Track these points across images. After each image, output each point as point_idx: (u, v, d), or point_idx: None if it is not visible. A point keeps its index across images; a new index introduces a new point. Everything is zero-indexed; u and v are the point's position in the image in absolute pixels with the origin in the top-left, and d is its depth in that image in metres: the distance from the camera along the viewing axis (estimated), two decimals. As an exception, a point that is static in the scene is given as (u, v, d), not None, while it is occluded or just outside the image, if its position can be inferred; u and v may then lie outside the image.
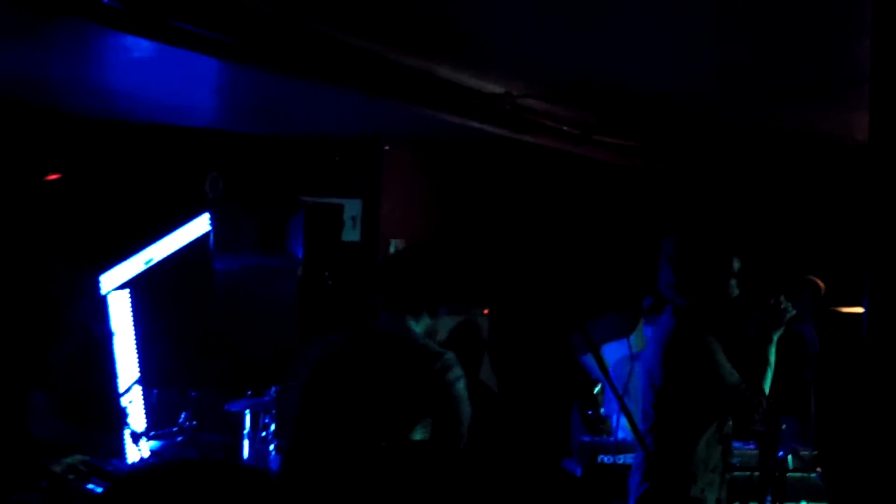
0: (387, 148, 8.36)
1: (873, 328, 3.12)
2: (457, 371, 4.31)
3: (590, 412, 7.37)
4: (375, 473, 4.22)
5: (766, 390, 4.63)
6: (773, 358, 4.69)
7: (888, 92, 3.04)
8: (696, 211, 9.07)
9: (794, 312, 4.76)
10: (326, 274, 7.98)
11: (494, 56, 5.74)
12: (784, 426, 4.82)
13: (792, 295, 4.93)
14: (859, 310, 8.12)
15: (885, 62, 3.02)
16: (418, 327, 4.43)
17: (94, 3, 4.17)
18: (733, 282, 4.73)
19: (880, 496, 3.13)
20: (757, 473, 5.51)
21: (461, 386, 4.31)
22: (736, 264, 4.74)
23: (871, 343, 3.12)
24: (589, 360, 7.74)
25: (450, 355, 4.32)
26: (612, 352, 7.22)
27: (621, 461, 6.23)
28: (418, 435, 4.27)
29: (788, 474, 5.85)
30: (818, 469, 6.16)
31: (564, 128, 7.38)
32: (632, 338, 7.67)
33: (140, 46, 5.01)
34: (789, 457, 5.96)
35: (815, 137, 8.18)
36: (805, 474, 6.12)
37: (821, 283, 7.67)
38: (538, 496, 6.36)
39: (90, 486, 4.95)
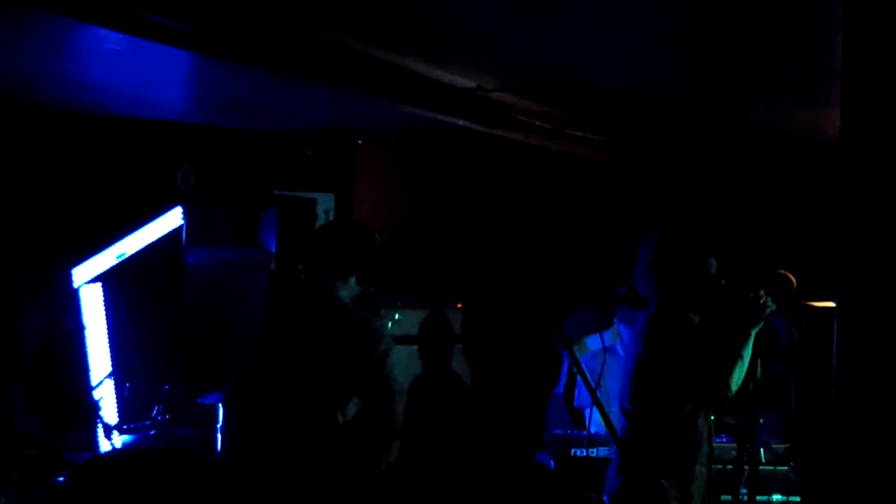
0: (360, 142, 8.35)
1: (844, 324, 3.14)
2: (386, 342, 4.29)
3: (576, 403, 7.38)
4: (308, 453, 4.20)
5: (734, 385, 4.63)
6: (746, 353, 4.70)
7: (859, 88, 3.05)
8: (667, 205, 9.09)
9: (773, 307, 4.78)
10: (300, 268, 7.95)
11: (466, 51, 5.74)
12: (761, 420, 4.85)
13: (764, 289, 4.95)
14: (831, 304, 8.17)
15: (856, 58, 3.03)
16: (344, 291, 4.42)
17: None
18: (710, 282, 4.75)
19: (853, 489, 3.15)
20: (730, 467, 5.54)
21: (391, 360, 4.27)
22: (713, 266, 4.76)
23: (842, 338, 3.14)
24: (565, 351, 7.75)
25: (378, 324, 4.30)
26: (588, 344, 7.25)
27: (594, 454, 6.25)
28: (353, 408, 4.25)
29: (761, 467, 5.88)
30: (791, 462, 6.19)
31: (536, 122, 7.39)
32: (606, 332, 7.70)
33: (112, 39, 4.98)
34: (762, 450, 5.98)
35: (786, 134, 8.21)
36: (778, 468, 6.15)
37: (792, 278, 7.69)
38: (512, 489, 6.36)
39: (61, 478, 4.95)
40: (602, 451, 6.16)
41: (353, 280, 4.48)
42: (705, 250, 4.75)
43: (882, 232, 3.14)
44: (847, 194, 3.13)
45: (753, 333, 4.72)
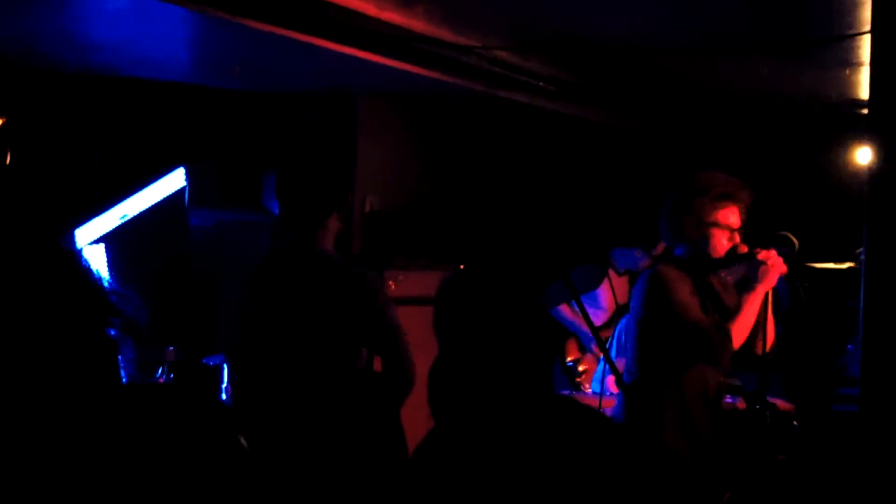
0: (361, 102, 8.32)
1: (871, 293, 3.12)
2: (385, 293, 4.32)
3: (569, 363, 7.41)
4: (328, 407, 4.21)
5: (735, 340, 4.63)
6: (751, 310, 4.70)
7: (889, 52, 3.02)
8: (671, 168, 9.08)
9: (778, 267, 4.78)
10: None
11: (468, 7, 5.71)
12: (771, 382, 4.87)
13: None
14: (833, 265, 8.17)
15: (885, 19, 3.01)
16: (328, 243, 4.38)
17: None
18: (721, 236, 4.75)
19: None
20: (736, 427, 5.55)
21: (389, 308, 4.29)
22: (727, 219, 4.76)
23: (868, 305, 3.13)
24: (558, 312, 7.79)
25: (372, 275, 4.30)
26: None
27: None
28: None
29: (766, 428, 5.90)
30: (795, 423, 6.20)
31: (540, 84, 7.36)
32: (600, 292, 7.72)
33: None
34: (767, 411, 5.99)
35: (787, 95, 8.19)
36: (783, 428, 6.16)
37: (794, 239, 7.69)
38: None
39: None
40: (607, 412, 6.16)
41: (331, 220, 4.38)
42: (719, 195, 4.75)
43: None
44: (877, 164, 3.08)
45: (761, 291, 4.72)
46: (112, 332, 1.73)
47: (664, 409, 4.67)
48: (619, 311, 6.63)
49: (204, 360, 6.56)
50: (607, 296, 7.74)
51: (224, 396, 6.55)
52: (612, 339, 6.24)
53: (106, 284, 1.73)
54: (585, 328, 7.70)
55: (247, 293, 4.49)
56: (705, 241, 4.74)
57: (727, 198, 4.75)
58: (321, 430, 4.22)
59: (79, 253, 1.81)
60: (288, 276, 4.34)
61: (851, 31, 5.64)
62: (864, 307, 3.27)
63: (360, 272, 4.29)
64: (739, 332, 4.64)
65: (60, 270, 1.68)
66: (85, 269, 1.71)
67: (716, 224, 4.73)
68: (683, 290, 4.67)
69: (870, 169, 3.23)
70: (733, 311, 4.69)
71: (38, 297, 1.63)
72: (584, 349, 7.71)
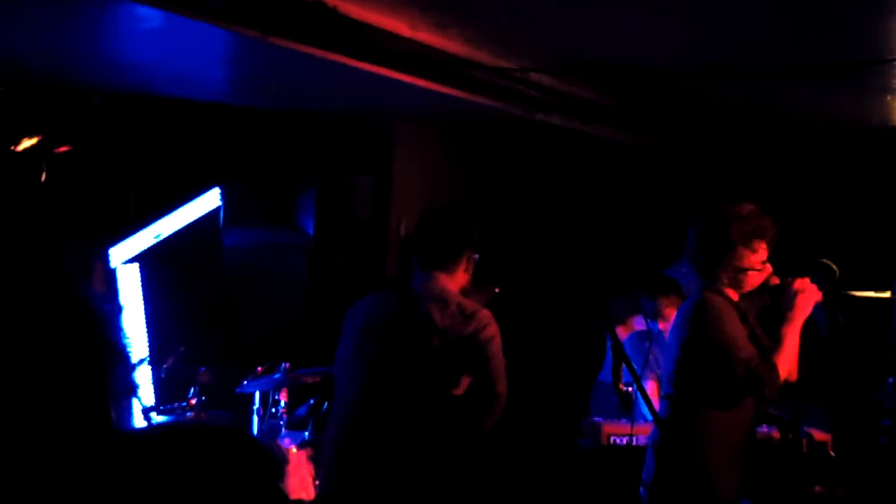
0: (398, 124, 8.30)
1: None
2: (492, 328, 4.64)
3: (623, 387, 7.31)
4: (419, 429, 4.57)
5: (780, 369, 4.57)
6: (791, 341, 4.64)
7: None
8: (708, 193, 9.01)
9: (813, 295, 4.72)
10: (340, 259, 7.96)
11: (507, 31, 5.69)
12: (806, 411, 4.80)
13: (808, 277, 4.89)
14: (874, 294, 8.06)
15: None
16: (452, 283, 4.76)
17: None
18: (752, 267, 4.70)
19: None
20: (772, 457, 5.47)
21: (496, 344, 4.64)
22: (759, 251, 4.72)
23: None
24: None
25: (485, 313, 4.66)
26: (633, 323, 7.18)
27: (636, 442, 6.16)
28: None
29: (802, 458, 5.81)
30: (832, 453, 6.11)
31: (577, 107, 7.33)
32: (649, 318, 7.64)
33: (149, 16, 4.96)
34: (804, 441, 5.90)
35: (827, 120, 8.12)
36: (819, 458, 6.06)
37: (834, 267, 7.59)
38: (551, 474, 6.33)
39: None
40: (642, 440, 6.05)
41: (457, 269, 4.80)
42: (749, 234, 4.71)
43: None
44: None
45: (798, 321, 4.66)
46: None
47: (705, 439, 4.60)
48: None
49: (238, 389, 6.52)
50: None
51: (255, 419, 6.54)
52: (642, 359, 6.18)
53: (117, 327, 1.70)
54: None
55: (370, 313, 4.84)
56: (739, 272, 4.68)
57: (761, 230, 4.70)
58: (418, 459, 4.57)
59: (95, 297, 1.78)
60: (410, 300, 4.69)
61: (893, 56, 5.57)
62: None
63: (474, 312, 4.63)
64: (785, 364, 4.59)
65: (69, 310, 1.66)
66: (97, 312, 1.68)
67: (749, 256, 4.67)
68: (733, 321, 4.60)
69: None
70: (776, 344, 4.62)
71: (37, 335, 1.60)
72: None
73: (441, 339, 4.58)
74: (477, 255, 4.90)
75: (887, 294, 8.01)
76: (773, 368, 4.54)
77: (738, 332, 4.59)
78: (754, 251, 4.70)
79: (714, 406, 4.62)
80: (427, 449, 4.57)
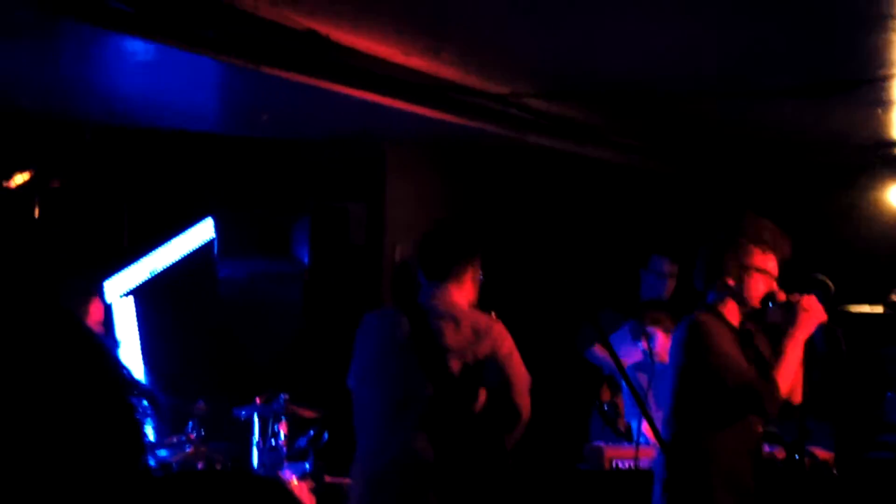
0: (390, 150, 8.29)
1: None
2: (507, 343, 4.68)
3: (605, 407, 7.29)
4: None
5: (780, 383, 4.55)
6: (788, 353, 4.61)
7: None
8: (700, 213, 9.01)
9: (817, 314, 4.70)
10: (332, 280, 7.94)
11: (496, 55, 5.69)
12: (811, 430, 4.78)
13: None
14: (869, 309, 8.06)
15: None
16: (460, 295, 4.75)
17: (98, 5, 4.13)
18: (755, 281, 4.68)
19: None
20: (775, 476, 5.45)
21: (516, 360, 4.69)
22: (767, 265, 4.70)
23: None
24: (592, 353, 7.71)
25: (498, 328, 4.70)
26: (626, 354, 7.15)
27: (635, 466, 6.13)
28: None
29: (805, 477, 5.79)
30: (834, 471, 6.08)
31: (568, 128, 7.33)
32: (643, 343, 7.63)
33: (141, 49, 4.95)
34: (807, 459, 5.88)
35: (816, 135, 8.12)
36: (822, 476, 6.04)
37: (830, 283, 7.58)
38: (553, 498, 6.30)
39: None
40: (644, 463, 6.02)
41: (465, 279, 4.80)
42: (761, 234, 4.69)
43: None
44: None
45: (801, 338, 4.64)
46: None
47: (710, 464, 4.57)
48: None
49: (235, 411, 6.50)
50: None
51: (255, 450, 6.50)
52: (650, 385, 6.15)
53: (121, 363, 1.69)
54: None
55: (383, 334, 4.82)
56: (743, 284, 4.66)
57: (771, 245, 4.68)
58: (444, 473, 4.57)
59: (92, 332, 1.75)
60: (422, 319, 4.68)
61: (882, 71, 5.58)
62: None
63: (488, 328, 4.66)
64: (785, 380, 4.56)
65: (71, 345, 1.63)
66: (97, 347, 1.66)
67: (756, 268, 4.65)
68: (726, 341, 4.58)
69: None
70: (776, 360, 4.60)
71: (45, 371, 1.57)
72: (617, 389, 7.62)
73: (459, 362, 4.58)
74: (482, 273, 4.91)
75: (880, 309, 8.02)
76: (772, 383, 4.52)
77: (729, 348, 4.56)
78: (764, 252, 4.67)
79: (715, 428, 4.60)
80: (459, 469, 4.58)
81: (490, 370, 4.63)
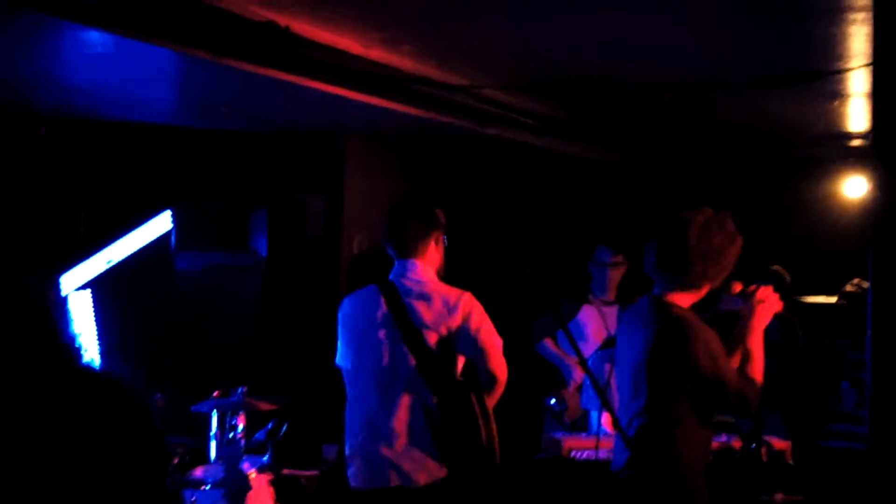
0: (350, 142, 8.26)
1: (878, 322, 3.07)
2: (477, 313, 5.03)
3: (552, 401, 7.31)
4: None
5: (757, 381, 4.56)
6: (755, 349, 4.62)
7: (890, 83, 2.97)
8: (660, 205, 9.05)
9: (773, 305, 4.72)
10: (290, 272, 7.91)
11: (457, 47, 5.68)
12: (763, 419, 4.81)
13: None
14: (823, 299, 8.13)
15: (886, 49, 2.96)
16: (428, 266, 5.12)
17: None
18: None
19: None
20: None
21: (487, 328, 5.03)
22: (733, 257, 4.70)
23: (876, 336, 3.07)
24: (544, 347, 7.74)
25: (466, 297, 5.04)
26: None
27: (595, 457, 6.13)
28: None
29: (762, 466, 5.82)
30: (790, 461, 6.13)
31: (528, 120, 7.33)
32: (587, 323, 7.67)
33: (99, 40, 4.91)
34: (763, 449, 5.91)
35: (772, 127, 8.16)
36: (779, 466, 6.08)
37: (786, 274, 7.63)
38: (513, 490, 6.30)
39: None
40: (603, 454, 6.00)
41: (429, 253, 5.16)
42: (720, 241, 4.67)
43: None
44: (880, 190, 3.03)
45: (759, 329, 4.65)
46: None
47: (681, 454, 4.56)
48: (610, 341, 6.57)
49: (193, 407, 6.45)
50: (594, 326, 7.69)
51: (213, 444, 6.47)
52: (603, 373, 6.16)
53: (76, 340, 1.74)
54: (568, 361, 7.63)
55: (362, 314, 5.17)
56: (709, 277, 4.64)
57: (734, 236, 4.68)
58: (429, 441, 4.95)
59: (51, 305, 1.80)
60: (396, 299, 5.02)
61: (839, 63, 5.61)
62: (872, 341, 3.21)
63: (457, 301, 5.01)
64: (758, 375, 4.58)
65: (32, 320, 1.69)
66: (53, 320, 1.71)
67: (723, 259, 4.64)
68: (712, 339, 4.54)
69: (874, 199, 3.17)
70: (746, 358, 4.60)
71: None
72: (564, 383, 7.64)
73: (436, 335, 4.95)
74: (446, 238, 5.26)
75: (834, 299, 8.09)
76: (753, 383, 4.54)
77: (717, 350, 4.53)
78: (732, 248, 4.65)
79: (689, 423, 4.58)
80: (448, 431, 4.95)
81: (463, 340, 4.98)
